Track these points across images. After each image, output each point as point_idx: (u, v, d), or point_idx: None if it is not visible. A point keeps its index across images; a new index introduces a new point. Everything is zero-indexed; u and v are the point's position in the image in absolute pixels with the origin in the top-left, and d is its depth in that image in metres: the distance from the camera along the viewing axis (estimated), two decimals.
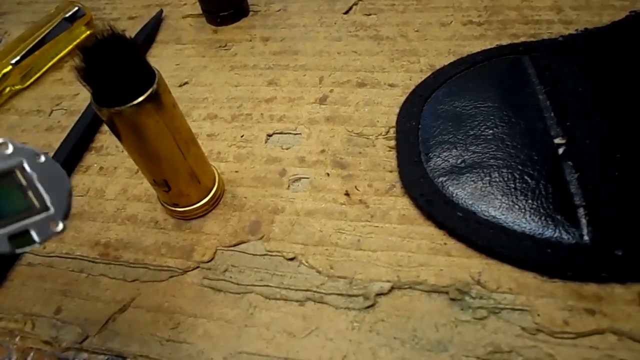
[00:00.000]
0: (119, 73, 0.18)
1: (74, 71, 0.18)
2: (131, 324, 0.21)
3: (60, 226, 0.14)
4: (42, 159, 0.15)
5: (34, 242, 0.14)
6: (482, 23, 0.29)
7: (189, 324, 0.20)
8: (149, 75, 0.19)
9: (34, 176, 0.14)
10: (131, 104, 0.18)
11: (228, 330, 0.20)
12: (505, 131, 0.23)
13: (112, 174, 0.27)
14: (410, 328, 0.19)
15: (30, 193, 0.14)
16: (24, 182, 0.14)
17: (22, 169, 0.14)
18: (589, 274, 0.19)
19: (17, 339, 0.21)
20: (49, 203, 0.14)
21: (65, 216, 0.14)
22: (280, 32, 0.32)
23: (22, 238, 0.14)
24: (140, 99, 0.18)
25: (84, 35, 0.35)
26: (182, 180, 0.22)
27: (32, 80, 0.33)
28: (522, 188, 0.21)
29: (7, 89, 0.32)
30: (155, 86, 0.19)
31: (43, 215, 0.14)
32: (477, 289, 0.19)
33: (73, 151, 0.27)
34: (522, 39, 0.28)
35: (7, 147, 0.14)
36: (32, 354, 0.20)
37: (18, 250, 0.13)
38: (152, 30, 0.33)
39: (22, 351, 0.20)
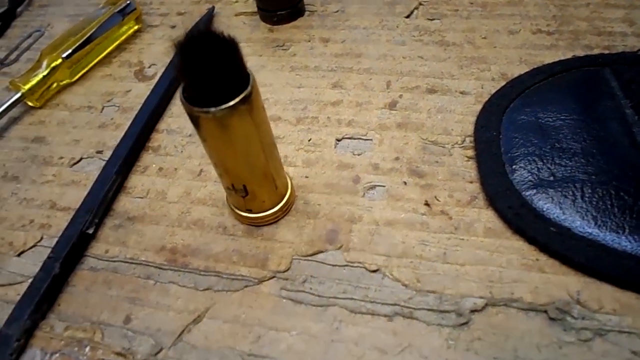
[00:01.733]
0: (217, 72, 0.17)
1: (173, 67, 0.17)
2: (208, 336, 0.20)
3: None
4: None
5: None
6: (552, 32, 0.29)
7: (270, 338, 0.19)
8: (242, 75, 0.18)
9: None
10: (226, 105, 0.17)
11: (314, 346, 0.19)
12: (594, 145, 0.22)
13: (173, 175, 0.26)
14: (511, 348, 0.18)
15: None
16: None
17: None
18: None
19: (87, 349, 0.20)
20: None
21: None
22: (340, 34, 0.31)
23: None
24: (237, 100, 0.17)
25: (132, 31, 0.34)
26: (261, 186, 0.21)
27: (79, 75, 0.32)
28: (619, 205, 0.20)
29: (55, 84, 0.31)
30: (250, 88, 0.18)
31: None
32: (578, 308, 0.19)
33: (131, 151, 0.26)
34: (596, 51, 0.27)
35: None
36: None
37: None
38: (205, 27, 0.32)
39: None
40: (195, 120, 0.18)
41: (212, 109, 0.17)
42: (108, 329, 0.20)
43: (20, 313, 0.20)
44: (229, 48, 0.17)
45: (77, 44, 0.31)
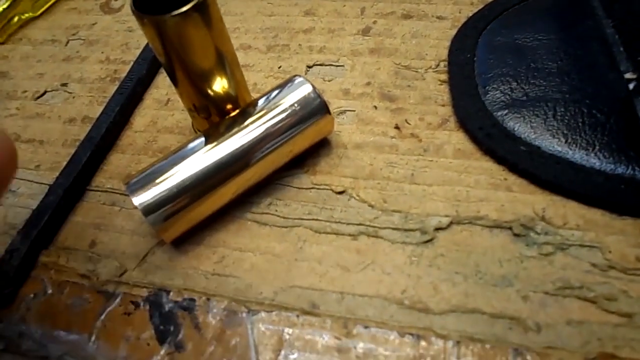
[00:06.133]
0: None
1: None
2: (172, 258, 0.19)
3: None
4: None
5: None
6: None
7: (234, 258, 0.19)
8: None
9: None
10: (178, 11, 0.16)
11: (277, 265, 0.19)
12: (570, 64, 0.21)
13: (140, 105, 0.25)
14: (473, 263, 0.18)
15: None
16: None
17: None
18: None
19: (52, 272, 0.20)
20: None
21: None
22: None
23: None
24: (188, 6, 0.16)
25: None
26: (224, 106, 0.20)
27: (44, 8, 0.31)
28: (591, 123, 0.20)
29: (16, 18, 0.30)
30: None
31: None
32: (542, 225, 0.18)
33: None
34: None
35: None
36: (68, 287, 0.19)
37: None
38: None
39: (57, 284, 0.19)
40: (147, 31, 0.17)
41: (163, 17, 0.16)
42: (73, 253, 0.20)
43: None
44: None
45: None
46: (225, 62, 0.19)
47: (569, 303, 0.17)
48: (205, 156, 0.19)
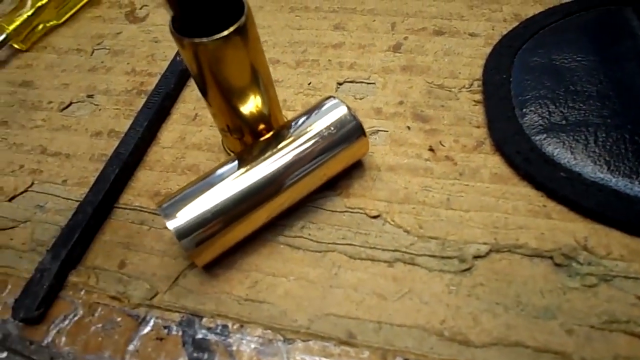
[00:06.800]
0: (209, 1, 0.16)
1: None
2: (203, 282, 0.19)
3: None
4: None
5: None
6: None
7: (267, 283, 0.19)
8: (236, 5, 0.17)
9: None
10: (219, 35, 0.16)
11: (311, 291, 0.18)
12: (610, 87, 0.21)
13: (167, 119, 0.25)
14: (514, 293, 0.17)
15: None
16: None
17: None
18: None
19: (82, 292, 0.19)
20: None
21: None
22: None
23: None
24: (230, 30, 0.16)
25: None
26: (257, 126, 0.20)
27: (67, 16, 0.30)
28: (634, 150, 0.19)
29: (41, 26, 0.29)
30: (244, 17, 0.16)
31: None
32: (585, 254, 0.18)
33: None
34: None
35: None
36: (99, 309, 0.19)
37: None
38: None
39: (88, 306, 0.19)
40: (186, 53, 0.17)
41: (204, 40, 0.16)
42: (103, 273, 0.20)
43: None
44: None
45: None
46: (260, 83, 0.19)
47: (616, 338, 0.16)
48: (238, 180, 0.18)
